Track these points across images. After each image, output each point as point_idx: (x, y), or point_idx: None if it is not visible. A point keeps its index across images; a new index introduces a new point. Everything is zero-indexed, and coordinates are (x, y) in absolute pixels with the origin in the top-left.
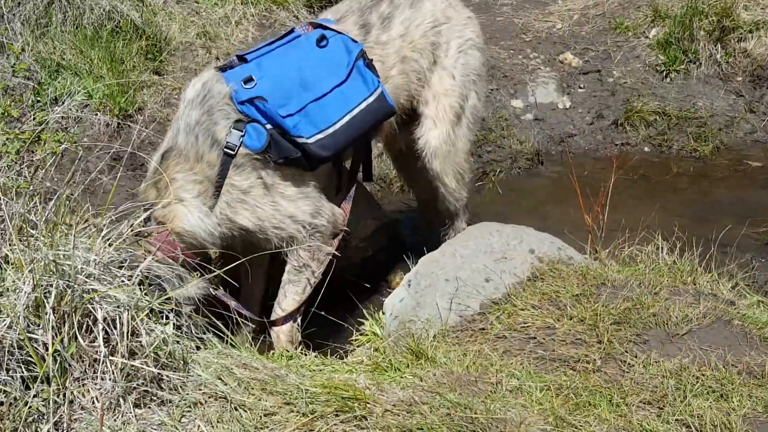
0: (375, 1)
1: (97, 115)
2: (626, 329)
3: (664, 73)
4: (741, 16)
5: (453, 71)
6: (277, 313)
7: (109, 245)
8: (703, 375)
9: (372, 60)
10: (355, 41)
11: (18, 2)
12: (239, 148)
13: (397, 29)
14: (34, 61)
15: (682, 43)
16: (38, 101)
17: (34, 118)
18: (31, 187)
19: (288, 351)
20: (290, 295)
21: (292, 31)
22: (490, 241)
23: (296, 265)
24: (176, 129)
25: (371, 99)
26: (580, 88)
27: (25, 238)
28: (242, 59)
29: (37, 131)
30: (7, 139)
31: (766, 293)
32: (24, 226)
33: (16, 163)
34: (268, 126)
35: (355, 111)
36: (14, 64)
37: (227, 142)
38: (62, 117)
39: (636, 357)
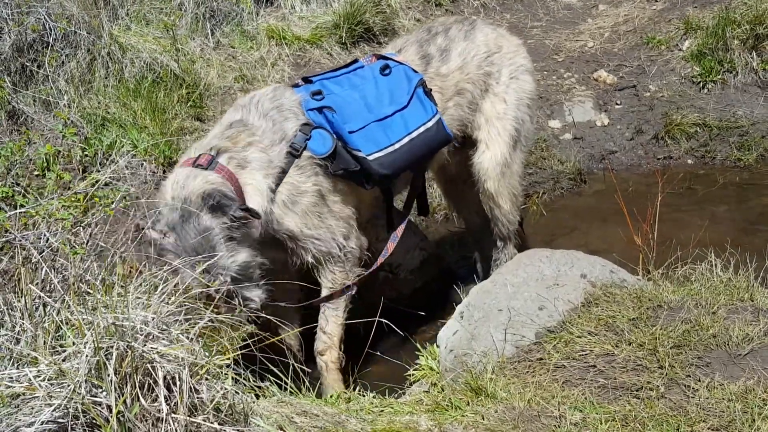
0: (431, 35)
1: (143, 164)
2: (687, 352)
3: (701, 84)
4: None
5: (505, 96)
6: (323, 339)
7: (166, 301)
8: None
9: (431, 90)
10: (416, 71)
11: (62, 62)
12: (303, 150)
13: (455, 61)
14: (80, 117)
15: (716, 53)
16: (86, 156)
17: (83, 178)
18: (87, 247)
19: (336, 379)
20: (331, 319)
21: (356, 61)
22: (540, 268)
23: (331, 287)
24: (245, 110)
25: (430, 124)
26: (617, 104)
27: (83, 299)
28: (307, 80)
29: (91, 192)
30: (63, 206)
31: None
32: (81, 287)
33: (72, 225)
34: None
35: (414, 134)
36: (62, 129)
37: (293, 143)
38: (112, 171)
39: (699, 381)
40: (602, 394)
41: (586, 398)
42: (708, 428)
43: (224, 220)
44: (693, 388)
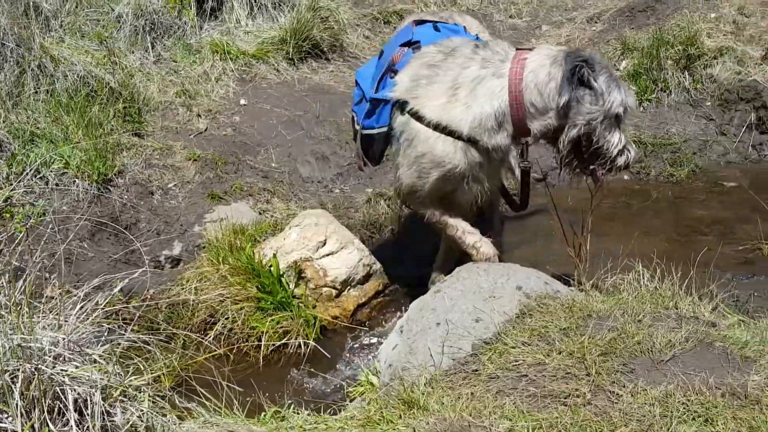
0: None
1: (75, 181)
2: (613, 359)
3: (637, 102)
4: (705, 44)
5: None
6: None
7: (83, 320)
8: (688, 400)
9: None
10: None
11: None
12: None
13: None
14: (6, 133)
15: (651, 73)
16: (13, 173)
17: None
18: None
19: None
20: None
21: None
22: (478, 281)
23: None
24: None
25: None
26: None
27: None
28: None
29: (3, 207)
30: None
31: (746, 312)
32: None
33: None
34: None
35: None
36: None
37: None
38: (39, 187)
39: (624, 387)
40: (532, 402)
41: (516, 407)
42: None
43: None
44: (617, 394)
